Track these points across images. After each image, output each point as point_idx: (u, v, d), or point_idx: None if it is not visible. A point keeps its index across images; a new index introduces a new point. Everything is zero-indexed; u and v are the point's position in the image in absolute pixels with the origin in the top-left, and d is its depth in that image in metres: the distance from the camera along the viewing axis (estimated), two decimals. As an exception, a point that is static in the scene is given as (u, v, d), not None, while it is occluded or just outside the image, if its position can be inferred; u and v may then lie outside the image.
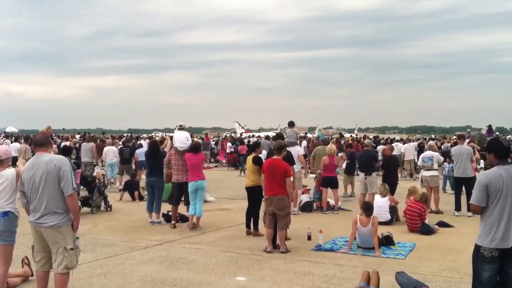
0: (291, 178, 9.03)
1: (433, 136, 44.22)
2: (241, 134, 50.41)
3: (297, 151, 12.86)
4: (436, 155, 13.40)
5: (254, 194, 9.91)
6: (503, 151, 4.85)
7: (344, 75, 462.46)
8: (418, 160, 17.73)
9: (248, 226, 9.98)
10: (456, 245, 9.12)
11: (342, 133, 55.59)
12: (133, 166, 18.80)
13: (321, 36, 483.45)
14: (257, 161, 9.86)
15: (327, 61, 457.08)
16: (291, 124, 14.80)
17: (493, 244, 4.63)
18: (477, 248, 4.77)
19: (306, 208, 13.00)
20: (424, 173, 13.13)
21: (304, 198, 13.28)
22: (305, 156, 21.77)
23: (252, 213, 9.98)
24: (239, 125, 72.18)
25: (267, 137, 27.86)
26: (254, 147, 10.93)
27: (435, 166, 13.14)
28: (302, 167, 13.48)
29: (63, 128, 38.93)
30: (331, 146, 13.86)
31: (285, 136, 13.91)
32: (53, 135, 30.61)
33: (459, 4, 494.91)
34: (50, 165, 5.36)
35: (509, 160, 4.83)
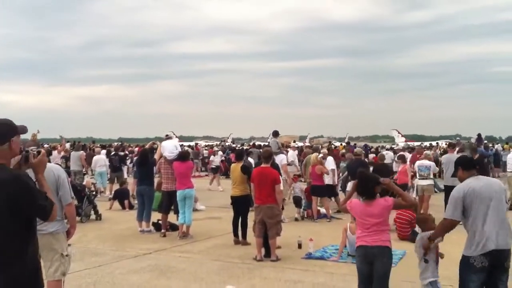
0: (281, 186, 9.03)
1: (424, 144, 44.44)
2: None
3: (279, 160, 12.87)
4: (433, 164, 13.56)
5: (242, 204, 9.84)
6: (468, 164, 5.11)
7: (336, 84, 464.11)
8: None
9: (236, 234, 9.91)
10: (447, 253, 9.13)
11: (332, 141, 55.38)
12: (125, 174, 18.69)
13: (313, 46, 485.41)
14: (245, 170, 9.82)
15: (318, 70, 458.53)
16: (275, 134, 14.96)
17: (480, 251, 4.67)
18: (466, 258, 4.80)
19: (297, 202, 13.07)
20: (420, 182, 13.19)
21: (297, 187, 13.43)
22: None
23: (240, 223, 9.89)
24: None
25: (254, 146, 27.83)
26: (241, 155, 10.79)
27: (431, 175, 13.31)
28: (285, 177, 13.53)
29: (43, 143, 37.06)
30: (314, 155, 13.93)
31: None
32: (43, 144, 30.28)
33: (448, 16, 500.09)
34: (48, 173, 5.32)
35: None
